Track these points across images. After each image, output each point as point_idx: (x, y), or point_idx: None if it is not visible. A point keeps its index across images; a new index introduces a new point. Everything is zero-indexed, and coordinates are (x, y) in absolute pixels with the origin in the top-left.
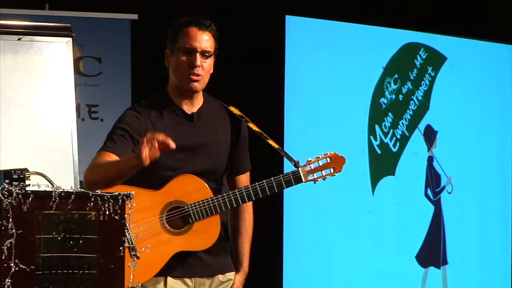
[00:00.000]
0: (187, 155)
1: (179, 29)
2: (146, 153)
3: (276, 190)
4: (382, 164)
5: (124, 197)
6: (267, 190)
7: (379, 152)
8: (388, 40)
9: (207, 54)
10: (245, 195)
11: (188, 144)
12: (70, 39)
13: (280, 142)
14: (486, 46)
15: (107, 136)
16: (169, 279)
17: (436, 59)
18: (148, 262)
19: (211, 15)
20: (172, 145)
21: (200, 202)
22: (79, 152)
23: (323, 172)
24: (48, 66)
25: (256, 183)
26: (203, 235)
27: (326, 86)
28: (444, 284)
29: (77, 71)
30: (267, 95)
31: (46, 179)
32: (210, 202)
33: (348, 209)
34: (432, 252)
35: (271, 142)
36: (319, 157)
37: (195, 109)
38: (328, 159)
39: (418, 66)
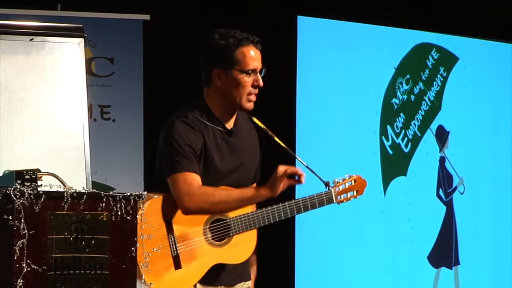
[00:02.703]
0: (225, 172)
1: (236, 48)
2: (281, 186)
3: (310, 209)
4: (394, 164)
5: (136, 198)
6: (302, 209)
7: (391, 152)
8: (400, 41)
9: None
10: (282, 212)
11: (226, 161)
12: (82, 39)
13: (292, 142)
14: (498, 46)
15: (174, 153)
16: (198, 285)
17: (448, 60)
18: (189, 273)
19: (223, 16)
20: (302, 181)
21: (242, 216)
22: (91, 152)
23: (348, 194)
24: (60, 66)
25: (293, 201)
26: (240, 249)
27: (338, 86)
28: (456, 285)
29: (89, 71)
30: (279, 95)
31: (58, 180)
32: (250, 216)
33: (360, 210)
34: (444, 253)
35: (298, 158)
36: (345, 179)
37: (232, 123)
38: (353, 182)
39: (430, 67)
